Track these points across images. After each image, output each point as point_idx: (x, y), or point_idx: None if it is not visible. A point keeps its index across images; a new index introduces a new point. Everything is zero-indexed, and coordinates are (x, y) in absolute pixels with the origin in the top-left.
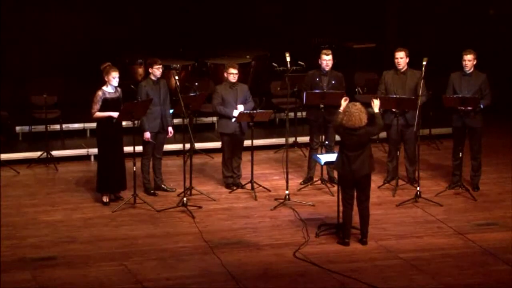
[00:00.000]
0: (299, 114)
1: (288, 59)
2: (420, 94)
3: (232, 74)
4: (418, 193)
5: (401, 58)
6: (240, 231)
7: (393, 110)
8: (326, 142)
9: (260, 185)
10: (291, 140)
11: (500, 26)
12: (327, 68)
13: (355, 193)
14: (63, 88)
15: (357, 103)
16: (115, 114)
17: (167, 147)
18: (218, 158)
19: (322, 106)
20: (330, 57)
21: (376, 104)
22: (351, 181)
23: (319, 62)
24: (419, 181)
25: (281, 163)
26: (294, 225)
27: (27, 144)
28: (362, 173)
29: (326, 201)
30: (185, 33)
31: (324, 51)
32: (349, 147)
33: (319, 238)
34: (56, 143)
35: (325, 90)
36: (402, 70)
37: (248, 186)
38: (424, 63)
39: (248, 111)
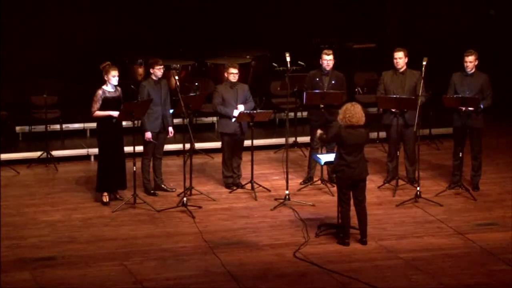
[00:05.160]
0: (299, 114)
1: (288, 59)
2: (419, 94)
3: (233, 74)
4: (418, 193)
5: (400, 58)
6: (240, 231)
7: (393, 110)
8: None
9: (260, 185)
10: (291, 140)
11: (500, 26)
12: (328, 68)
13: (352, 194)
14: (63, 88)
15: (356, 103)
16: (114, 113)
17: (167, 147)
18: (218, 158)
19: (322, 106)
20: (331, 57)
21: None
22: (349, 184)
23: (320, 62)
24: (419, 181)
25: (281, 163)
26: (294, 225)
27: (27, 144)
28: (362, 177)
29: (326, 201)
30: (185, 33)
31: (325, 51)
32: (350, 150)
33: (319, 238)
34: (56, 143)
35: (325, 90)
36: (401, 70)
37: (248, 186)
38: (424, 63)
39: (248, 111)
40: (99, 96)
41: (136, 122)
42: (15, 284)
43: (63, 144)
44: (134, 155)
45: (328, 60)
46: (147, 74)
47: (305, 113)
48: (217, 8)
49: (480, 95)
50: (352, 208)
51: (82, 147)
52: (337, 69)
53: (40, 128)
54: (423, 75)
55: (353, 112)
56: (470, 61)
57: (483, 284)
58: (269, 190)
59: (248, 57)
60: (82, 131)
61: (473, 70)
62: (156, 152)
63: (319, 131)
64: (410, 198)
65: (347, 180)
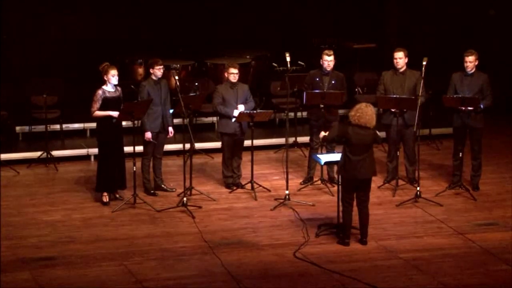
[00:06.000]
0: (299, 114)
1: (288, 59)
2: (419, 94)
3: (233, 74)
4: (418, 193)
5: (400, 58)
6: (240, 231)
7: (392, 110)
8: None
9: (260, 185)
10: (291, 140)
11: (500, 26)
12: (329, 68)
13: (355, 194)
14: (63, 88)
15: (369, 105)
16: (114, 114)
17: (167, 147)
18: (218, 158)
19: (322, 106)
20: (332, 57)
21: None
22: (354, 184)
23: (321, 63)
24: (419, 181)
25: (281, 163)
26: (294, 225)
27: (27, 144)
28: (366, 177)
29: (326, 201)
30: (185, 33)
31: (326, 52)
32: (355, 149)
33: (319, 238)
34: (56, 143)
35: (325, 90)
36: (401, 70)
37: (248, 186)
38: (424, 63)
39: (248, 111)
40: (99, 96)
41: (136, 122)
42: (15, 284)
43: (63, 144)
44: (134, 155)
45: (329, 61)
46: (147, 74)
47: (305, 113)
48: (217, 8)
49: (480, 95)
50: (354, 207)
51: (82, 147)
52: (337, 69)
53: (40, 128)
54: (423, 75)
55: (363, 113)
56: (470, 61)
57: (483, 284)
58: (269, 190)
59: (248, 57)
60: (82, 131)
61: (473, 70)
62: (156, 152)
63: (322, 134)
64: (410, 198)
65: (351, 180)
